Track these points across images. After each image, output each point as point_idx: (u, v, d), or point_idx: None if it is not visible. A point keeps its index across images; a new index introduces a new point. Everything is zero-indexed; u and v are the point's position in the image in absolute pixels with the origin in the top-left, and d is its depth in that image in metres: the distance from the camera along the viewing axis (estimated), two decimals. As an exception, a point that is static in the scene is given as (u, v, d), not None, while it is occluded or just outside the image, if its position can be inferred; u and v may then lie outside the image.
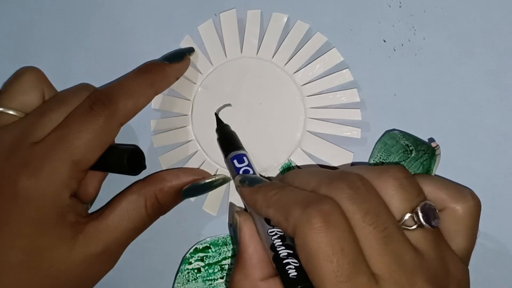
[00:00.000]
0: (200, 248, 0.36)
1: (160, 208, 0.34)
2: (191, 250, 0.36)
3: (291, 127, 0.36)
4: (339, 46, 0.36)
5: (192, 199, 0.37)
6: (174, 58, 0.36)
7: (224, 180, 0.36)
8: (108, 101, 0.33)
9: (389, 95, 0.36)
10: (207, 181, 0.35)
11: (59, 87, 0.37)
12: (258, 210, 0.29)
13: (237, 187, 0.32)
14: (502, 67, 0.35)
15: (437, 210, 0.27)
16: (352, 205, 0.26)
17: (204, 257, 0.36)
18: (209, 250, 0.36)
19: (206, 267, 0.36)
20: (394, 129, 0.35)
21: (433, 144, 0.33)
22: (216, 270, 0.36)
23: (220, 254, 0.36)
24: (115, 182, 0.37)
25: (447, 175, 0.35)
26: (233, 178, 0.34)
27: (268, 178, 0.35)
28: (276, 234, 0.28)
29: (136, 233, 0.34)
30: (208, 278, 0.36)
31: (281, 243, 0.28)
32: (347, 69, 0.36)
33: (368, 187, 0.27)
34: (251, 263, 0.29)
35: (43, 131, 0.32)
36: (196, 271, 0.36)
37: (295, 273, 0.26)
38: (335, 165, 0.36)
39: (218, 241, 0.36)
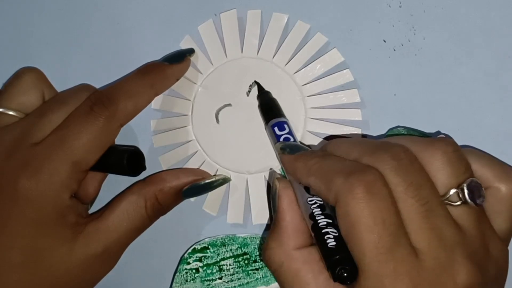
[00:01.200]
0: (199, 248, 0.36)
1: (160, 208, 0.34)
2: (190, 251, 0.36)
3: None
4: (339, 46, 0.36)
5: (192, 199, 0.37)
6: (175, 59, 0.36)
7: (224, 180, 0.36)
8: (108, 102, 0.33)
9: (389, 95, 0.36)
10: (207, 181, 0.35)
11: (59, 87, 0.37)
12: (298, 178, 0.28)
13: (277, 155, 0.32)
14: (502, 67, 0.35)
15: (483, 188, 0.27)
16: (395, 177, 0.25)
17: (203, 258, 0.36)
18: (208, 251, 0.36)
19: (204, 268, 0.36)
20: (398, 126, 0.35)
21: (440, 137, 0.33)
22: (214, 270, 0.36)
23: (218, 254, 0.36)
24: (115, 183, 0.37)
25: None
26: (274, 145, 0.33)
27: (309, 146, 0.35)
28: (315, 203, 0.28)
29: (136, 234, 0.34)
30: (206, 279, 0.36)
31: (320, 212, 0.27)
32: (348, 69, 0.36)
33: (412, 159, 0.26)
34: (286, 232, 0.28)
35: (43, 131, 0.32)
36: (194, 271, 0.36)
37: (334, 243, 0.26)
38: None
39: (216, 241, 0.36)
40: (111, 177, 0.37)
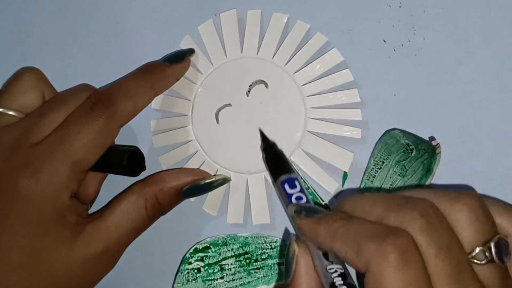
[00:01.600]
0: (200, 248, 0.36)
1: (160, 208, 0.34)
2: (191, 250, 0.36)
3: (291, 127, 0.36)
4: (339, 46, 0.36)
5: (192, 199, 0.37)
6: (174, 59, 0.36)
7: (224, 180, 0.36)
8: (108, 102, 0.33)
9: (389, 95, 0.36)
10: (207, 181, 0.35)
11: (59, 87, 0.37)
12: (320, 243, 0.26)
13: (291, 217, 0.30)
14: (502, 67, 0.35)
15: (510, 246, 0.25)
16: (425, 237, 0.24)
17: (204, 257, 0.36)
18: (209, 250, 0.36)
19: (206, 267, 0.36)
20: (394, 129, 0.35)
21: (433, 143, 0.33)
22: (216, 270, 0.36)
23: (220, 254, 0.36)
24: (115, 183, 0.37)
25: (447, 175, 0.35)
26: (285, 204, 0.32)
27: (322, 205, 0.35)
28: (336, 271, 0.26)
29: (136, 234, 0.34)
30: (207, 278, 0.36)
31: (342, 282, 0.26)
32: (347, 69, 0.36)
33: (440, 217, 0.25)
34: None
35: (43, 131, 0.32)
36: (196, 271, 0.36)
37: None
38: (335, 164, 0.36)
39: (218, 241, 0.36)
40: (111, 177, 0.37)
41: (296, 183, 0.32)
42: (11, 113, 0.34)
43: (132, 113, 0.34)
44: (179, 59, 0.36)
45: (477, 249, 0.25)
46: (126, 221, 0.33)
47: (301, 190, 0.32)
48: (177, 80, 0.37)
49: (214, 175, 0.36)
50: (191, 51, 0.37)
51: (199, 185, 0.35)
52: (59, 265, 0.31)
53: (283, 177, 0.32)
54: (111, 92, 0.33)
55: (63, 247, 0.31)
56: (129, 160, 0.33)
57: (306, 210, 0.28)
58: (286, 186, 0.32)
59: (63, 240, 0.32)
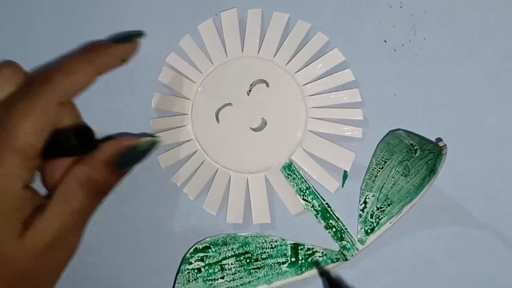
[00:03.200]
0: (200, 248, 0.36)
1: (96, 185, 0.33)
2: (191, 250, 0.36)
3: (292, 127, 0.36)
4: (340, 46, 0.36)
5: (190, 197, 0.36)
6: (121, 39, 0.35)
7: (153, 142, 0.33)
8: (44, 79, 0.31)
9: (389, 95, 0.36)
10: (132, 144, 0.33)
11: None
12: None
13: None
14: (502, 68, 0.35)
15: None
16: None
17: (204, 257, 0.36)
18: (209, 250, 0.36)
19: (206, 267, 0.36)
20: (398, 129, 0.35)
21: (440, 144, 0.33)
22: (216, 270, 0.35)
23: (220, 254, 0.36)
24: (117, 195, 0.36)
25: (447, 176, 0.35)
26: None
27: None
28: None
29: (83, 216, 0.33)
30: (208, 278, 0.35)
31: None
32: (348, 68, 0.36)
33: None
34: None
35: None
36: (196, 271, 0.36)
37: None
38: (336, 164, 0.35)
39: (218, 241, 0.36)
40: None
41: None
42: None
43: (71, 90, 0.32)
44: (126, 39, 0.35)
45: None
46: (66, 205, 0.32)
47: None
48: (123, 61, 0.35)
49: (141, 139, 0.34)
50: (140, 33, 0.35)
51: (127, 151, 0.33)
52: (12, 262, 0.30)
53: None
54: (47, 69, 0.32)
55: (13, 245, 0.30)
56: (78, 137, 0.32)
57: None
58: None
59: (13, 237, 0.30)
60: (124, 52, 0.34)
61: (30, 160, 0.31)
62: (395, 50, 0.36)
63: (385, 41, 0.36)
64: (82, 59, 0.32)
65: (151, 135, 0.34)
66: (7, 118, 0.30)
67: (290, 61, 0.37)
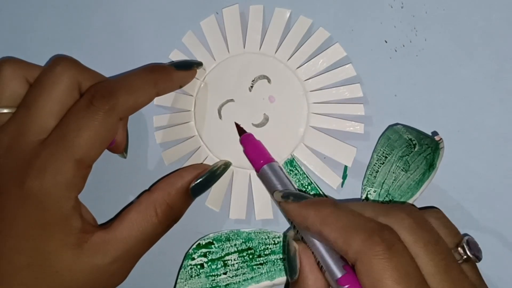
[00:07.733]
0: (203, 243, 0.36)
1: (172, 213, 0.33)
2: (194, 246, 0.36)
3: (294, 122, 0.36)
4: (341, 46, 0.36)
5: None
6: (182, 66, 0.36)
7: (226, 165, 0.36)
8: (108, 94, 0.32)
9: (389, 96, 0.36)
10: (209, 170, 0.35)
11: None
12: (308, 226, 0.28)
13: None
14: (503, 69, 0.35)
15: (478, 244, 0.28)
16: (412, 234, 0.26)
17: (207, 253, 0.36)
18: (212, 246, 0.36)
19: (209, 263, 0.36)
20: (397, 124, 0.35)
21: (436, 138, 0.33)
22: (219, 265, 0.36)
23: (223, 249, 0.36)
24: (115, 184, 0.37)
25: (447, 177, 0.35)
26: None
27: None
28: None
29: (148, 244, 0.33)
30: (211, 274, 0.36)
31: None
32: (350, 64, 0.36)
33: (424, 217, 0.28)
34: None
35: (37, 124, 0.31)
36: (199, 266, 0.36)
37: None
38: (338, 160, 0.36)
39: (221, 236, 0.36)
40: (111, 178, 0.37)
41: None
42: (5, 111, 0.33)
43: (132, 107, 0.33)
44: (187, 67, 0.36)
45: (452, 251, 0.27)
46: (136, 231, 0.32)
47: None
48: (181, 87, 0.36)
49: (215, 164, 0.36)
50: (199, 64, 0.37)
51: (204, 177, 0.34)
52: (64, 271, 0.30)
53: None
54: (112, 84, 0.32)
55: (68, 254, 0.30)
56: None
57: (293, 195, 0.30)
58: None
59: (68, 246, 0.31)
60: (184, 79, 0.36)
61: (86, 169, 0.32)
62: (395, 51, 0.36)
63: (386, 42, 0.36)
64: (146, 80, 0.34)
65: (224, 160, 0.36)
66: (68, 129, 0.31)
67: (291, 56, 0.37)
